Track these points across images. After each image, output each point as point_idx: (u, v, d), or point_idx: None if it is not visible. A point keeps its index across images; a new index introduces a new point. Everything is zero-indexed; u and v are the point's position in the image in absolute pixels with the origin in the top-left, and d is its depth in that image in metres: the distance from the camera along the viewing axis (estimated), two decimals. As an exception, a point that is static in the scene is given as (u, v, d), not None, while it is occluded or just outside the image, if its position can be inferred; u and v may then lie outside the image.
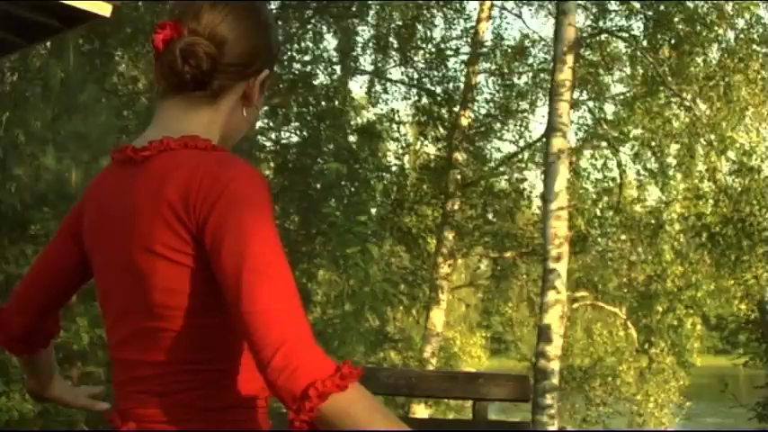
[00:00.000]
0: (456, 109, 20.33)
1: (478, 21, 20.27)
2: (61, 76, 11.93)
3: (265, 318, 1.85)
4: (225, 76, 2.11)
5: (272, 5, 19.19)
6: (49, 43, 16.31)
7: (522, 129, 21.08)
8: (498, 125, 21.04)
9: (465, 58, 20.63)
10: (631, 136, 19.72)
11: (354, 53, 20.70)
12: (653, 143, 19.32)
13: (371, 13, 20.50)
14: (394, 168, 20.99)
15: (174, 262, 1.97)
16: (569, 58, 15.06)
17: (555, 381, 14.72)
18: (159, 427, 2.02)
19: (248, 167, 2.01)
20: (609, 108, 20.67)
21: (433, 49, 20.51)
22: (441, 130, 20.94)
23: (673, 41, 18.13)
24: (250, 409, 2.07)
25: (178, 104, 2.11)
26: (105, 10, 8.04)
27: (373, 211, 18.56)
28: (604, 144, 20.26)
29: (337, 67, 20.58)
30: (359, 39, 20.91)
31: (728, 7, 17.96)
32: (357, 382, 1.83)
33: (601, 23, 18.95)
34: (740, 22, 18.21)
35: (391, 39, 20.77)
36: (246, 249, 1.90)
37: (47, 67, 14.80)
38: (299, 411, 1.81)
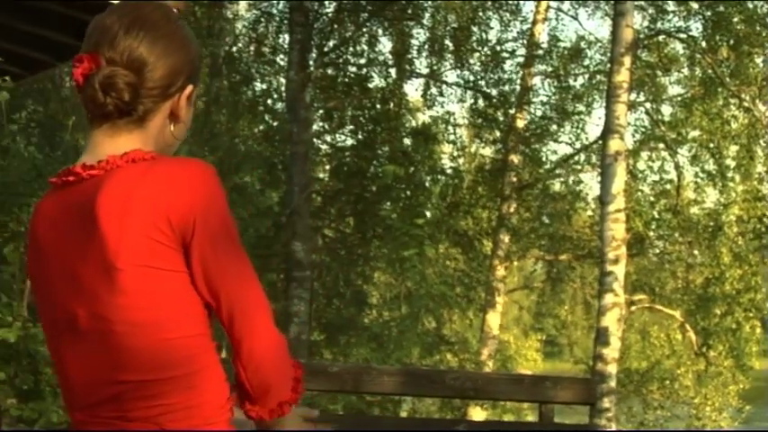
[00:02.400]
0: (512, 111, 20.27)
1: (534, 23, 20.21)
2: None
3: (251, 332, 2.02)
4: (149, 100, 2.11)
5: (328, 9, 19.26)
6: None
7: (579, 131, 20.97)
8: (554, 127, 20.94)
9: (521, 60, 20.57)
10: (689, 137, 19.56)
11: (410, 56, 20.69)
12: (711, 145, 19.15)
13: (427, 15, 20.48)
14: (449, 171, 20.96)
15: (141, 277, 1.98)
16: (626, 60, 14.96)
17: (613, 384, 14.65)
18: None
19: (205, 165, 2.04)
20: (666, 110, 20.55)
21: (489, 52, 20.45)
22: (496, 132, 20.91)
23: (731, 42, 17.95)
24: (220, 423, 2.08)
25: (107, 132, 2.11)
26: (170, 15, 8.10)
27: (429, 213, 18.54)
28: (662, 146, 20.11)
29: (392, 70, 20.58)
30: (414, 41, 20.91)
31: (788, 7, 17.78)
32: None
33: (659, 24, 18.81)
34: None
35: (447, 41, 20.73)
36: (236, 277, 2.02)
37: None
38: (272, 413, 2.08)
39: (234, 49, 20.69)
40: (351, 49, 19.94)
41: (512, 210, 19.91)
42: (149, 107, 2.12)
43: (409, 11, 19.76)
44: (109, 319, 2.01)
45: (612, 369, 14.56)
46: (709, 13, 18.03)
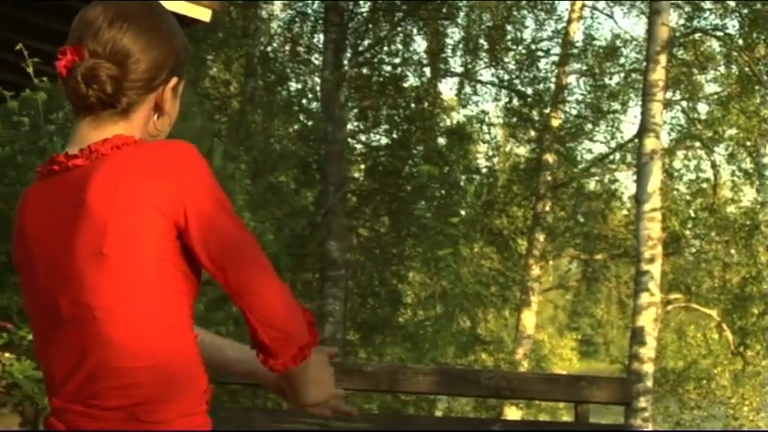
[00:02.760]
0: (547, 110, 20.23)
1: (569, 21, 20.16)
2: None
3: (259, 296, 2.02)
4: (133, 92, 2.12)
5: (362, 9, 19.28)
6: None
7: (614, 129, 20.88)
8: (589, 126, 20.88)
9: (556, 58, 20.52)
10: (726, 136, 19.41)
11: (444, 55, 20.68)
12: (748, 143, 19.01)
13: (461, 14, 20.47)
14: (484, 170, 20.97)
15: (126, 263, 1.98)
16: (662, 58, 14.90)
17: (649, 383, 14.58)
18: None
19: (187, 146, 2.04)
20: (702, 108, 20.41)
21: (524, 50, 20.42)
22: (531, 131, 20.88)
23: (768, 40, 17.84)
24: (197, 415, 2.08)
25: (91, 123, 2.11)
26: (204, 15, 8.15)
27: (463, 212, 18.53)
28: (698, 144, 19.99)
29: (427, 69, 20.60)
30: (449, 40, 20.92)
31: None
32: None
33: (695, 22, 18.69)
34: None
35: (481, 40, 20.71)
36: (232, 243, 2.01)
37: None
38: (295, 359, 2.08)
39: (269, 48, 20.76)
40: (385, 48, 19.96)
41: (547, 209, 19.86)
42: (133, 99, 2.12)
43: (444, 10, 19.76)
44: (91, 305, 2.00)
45: (648, 368, 14.50)
46: (745, 11, 17.89)
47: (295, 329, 2.07)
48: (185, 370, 2.06)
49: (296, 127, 20.34)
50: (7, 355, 5.87)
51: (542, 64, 20.79)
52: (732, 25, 20.90)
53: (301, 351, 2.10)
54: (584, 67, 20.74)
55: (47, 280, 2.09)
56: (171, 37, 2.19)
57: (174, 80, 2.18)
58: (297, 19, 20.65)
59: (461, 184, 18.66)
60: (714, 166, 19.79)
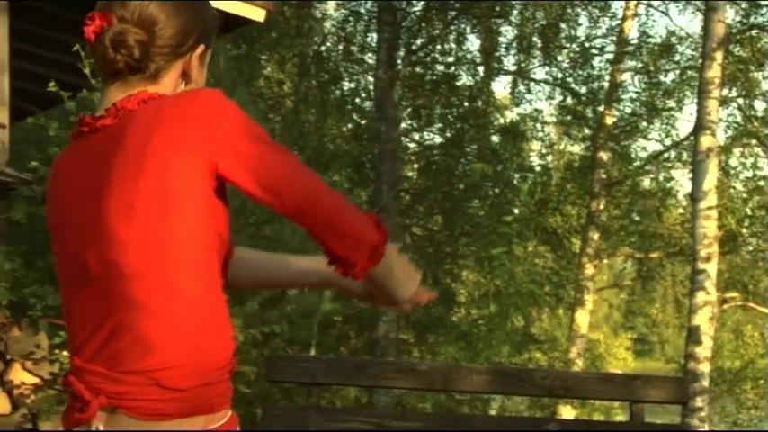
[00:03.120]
0: (601, 108, 20.13)
1: (624, 18, 20.03)
2: (211, 82, 12.17)
3: (322, 213, 2.03)
4: (160, 58, 2.13)
5: (416, 8, 19.29)
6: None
7: (669, 127, 20.75)
8: (644, 124, 20.75)
9: (610, 56, 20.41)
10: (783, 133, 19.25)
11: (497, 53, 20.66)
12: (805, 140, 18.83)
13: (515, 12, 20.42)
14: (538, 168, 20.91)
15: (156, 219, 1.96)
16: (718, 55, 14.76)
17: (705, 383, 14.46)
18: (128, 404, 1.99)
19: (212, 92, 2.04)
20: (759, 105, 20.23)
21: (578, 48, 20.35)
22: (585, 129, 20.79)
23: (826, 36, 17.65)
24: (220, 384, 2.05)
25: (119, 88, 2.13)
26: (258, 15, 8.20)
27: (517, 211, 18.48)
28: (754, 142, 19.80)
29: (480, 68, 20.56)
30: (502, 39, 20.88)
31: None
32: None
33: (751, 19, 18.51)
34: None
35: (535, 38, 20.65)
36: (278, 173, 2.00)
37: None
38: (372, 260, 2.09)
39: (322, 48, 20.82)
40: (439, 47, 19.96)
41: (601, 207, 19.76)
42: (161, 65, 2.14)
43: (497, 8, 19.73)
44: (118, 261, 1.99)
45: (705, 368, 14.38)
46: (803, 7, 17.72)
47: (363, 232, 2.08)
48: (211, 335, 2.03)
49: (349, 126, 20.38)
50: (65, 353, 5.94)
51: (596, 62, 20.75)
52: (790, 21, 20.65)
53: (375, 251, 2.10)
54: (639, 65, 20.62)
55: (76, 240, 2.08)
56: (198, 5, 2.21)
57: (200, 47, 2.20)
58: (350, 18, 20.69)
59: (515, 182, 18.62)
60: (771, 163, 19.60)
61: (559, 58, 20.62)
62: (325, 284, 2.43)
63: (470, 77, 20.36)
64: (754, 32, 18.67)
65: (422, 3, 19.41)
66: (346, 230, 2.05)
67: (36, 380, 7.24)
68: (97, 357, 2.03)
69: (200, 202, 1.98)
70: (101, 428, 2.02)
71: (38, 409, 7.14)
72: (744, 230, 19.57)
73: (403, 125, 19.48)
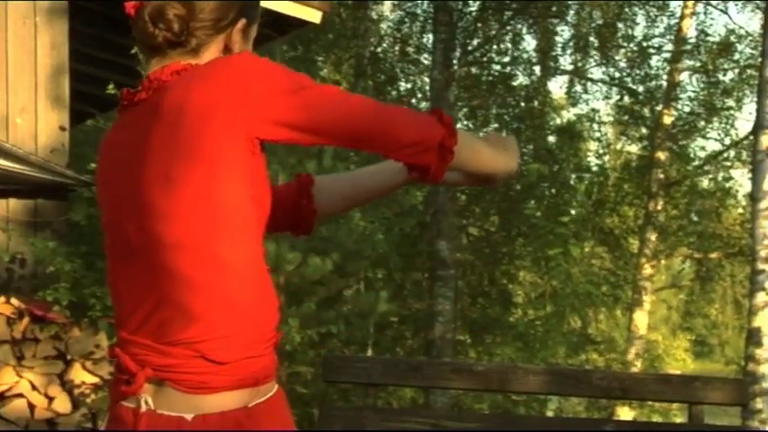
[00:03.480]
0: (658, 107, 19.98)
1: (682, 17, 19.87)
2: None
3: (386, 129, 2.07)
4: (201, 32, 2.12)
5: (472, 8, 19.26)
6: (255, 51, 16.75)
7: (728, 126, 20.53)
8: (702, 123, 20.56)
9: (668, 55, 20.25)
10: None
11: (554, 53, 20.57)
12: None
13: (571, 12, 20.32)
14: (595, 168, 20.78)
15: (193, 188, 1.95)
16: (778, 54, 14.60)
17: (765, 385, 14.30)
18: (175, 377, 2.00)
19: (243, 54, 2.04)
20: (821, 104, 19.96)
21: (635, 48, 20.20)
22: (642, 129, 20.65)
23: None
24: (264, 357, 2.04)
25: (159, 63, 2.13)
26: (314, 16, 8.24)
27: (574, 211, 18.41)
28: (816, 141, 19.56)
29: (537, 68, 20.51)
30: (558, 39, 20.80)
31: None
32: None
33: (813, 16, 18.29)
34: None
35: (592, 38, 20.54)
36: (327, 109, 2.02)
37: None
38: (443, 157, 2.13)
39: (379, 49, 20.85)
40: (495, 47, 19.91)
41: (659, 207, 19.61)
42: (202, 40, 2.14)
43: (554, 8, 19.64)
44: (158, 232, 1.98)
45: (765, 370, 14.22)
46: None
47: (425, 134, 2.11)
48: (254, 306, 2.02)
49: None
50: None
51: (654, 61, 20.58)
52: None
53: (443, 147, 2.13)
54: (698, 64, 20.43)
55: (118, 212, 2.09)
56: None
57: (242, 21, 2.18)
58: (406, 19, 20.70)
59: (572, 182, 18.54)
60: (833, 163, 19.34)
61: (617, 58, 20.50)
62: (411, 180, 2.41)
63: (527, 77, 20.33)
64: (815, 30, 18.43)
65: (478, 3, 19.38)
66: (408, 140, 2.08)
67: (96, 380, 7.31)
68: (142, 329, 2.04)
69: (238, 168, 1.96)
70: (149, 401, 2.02)
71: (98, 408, 7.21)
72: (804, 231, 19.34)
73: (459, 125, 19.45)
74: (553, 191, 17.92)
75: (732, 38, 20.25)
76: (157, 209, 1.98)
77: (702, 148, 21.26)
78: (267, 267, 2.06)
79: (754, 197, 14.50)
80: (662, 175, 19.61)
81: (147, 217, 2.00)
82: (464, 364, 6.23)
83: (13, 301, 7.50)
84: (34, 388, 7.31)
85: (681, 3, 20.15)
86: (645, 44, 20.26)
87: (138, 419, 2.03)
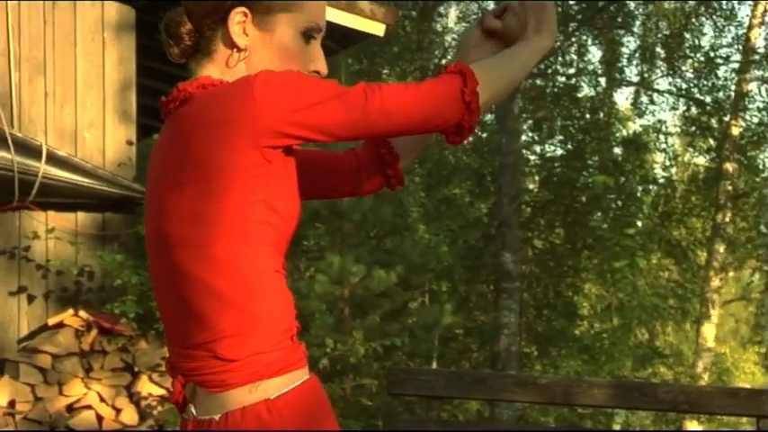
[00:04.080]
0: (726, 118, 19.78)
1: (750, 27, 19.66)
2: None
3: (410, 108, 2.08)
4: (206, 30, 2.17)
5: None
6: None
7: (799, 137, 20.29)
8: (771, 134, 20.33)
9: (736, 65, 20.05)
10: None
11: (620, 64, 20.45)
12: None
13: (637, 23, 20.19)
14: (661, 180, 20.60)
15: (201, 192, 2.00)
16: None
17: (836, 399, 14.11)
18: (200, 379, 2.06)
19: (264, 72, 2.03)
20: None
21: (702, 58, 20.02)
22: (710, 140, 20.44)
23: None
24: (277, 351, 2.05)
25: (194, 71, 2.20)
26: (378, 30, 8.28)
27: (640, 223, 18.26)
28: None
29: (602, 79, 20.39)
30: (624, 50, 20.67)
31: None
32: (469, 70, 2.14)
33: None
34: None
35: (658, 48, 20.39)
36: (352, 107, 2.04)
37: (320, 87, 15.25)
38: (470, 115, 2.13)
39: (443, 61, 20.85)
40: (560, 58, 19.83)
41: (727, 219, 19.41)
42: (207, 36, 2.18)
43: (619, 19, 19.53)
44: (170, 233, 2.06)
45: (836, 384, 14.05)
46: None
47: (449, 101, 2.11)
48: (262, 305, 2.05)
49: (470, 139, 20.38)
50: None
51: (722, 71, 20.37)
52: None
53: (466, 99, 2.13)
54: (767, 74, 20.21)
55: (148, 215, 2.16)
56: None
57: (237, 9, 2.16)
58: (471, 31, 20.66)
59: (638, 194, 18.39)
60: None
61: (683, 68, 20.33)
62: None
63: (592, 89, 20.21)
64: None
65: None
66: (436, 112, 2.10)
67: (162, 392, 7.39)
68: (174, 336, 2.14)
69: (244, 176, 2.00)
70: (193, 410, 2.11)
71: (164, 420, 7.28)
72: None
73: (524, 137, 19.40)
74: (619, 203, 17.79)
75: (801, 47, 20.03)
76: (167, 211, 2.07)
77: (772, 160, 21.02)
78: (278, 267, 2.09)
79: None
80: (730, 187, 19.40)
81: (160, 219, 2.09)
82: (528, 377, 6.21)
83: (82, 313, 7.61)
84: (102, 400, 7.41)
85: (749, 12, 19.96)
86: (712, 54, 20.07)
87: (187, 429, 2.12)
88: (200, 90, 2.10)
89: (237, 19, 2.15)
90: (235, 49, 2.17)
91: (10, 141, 7.51)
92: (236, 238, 2.01)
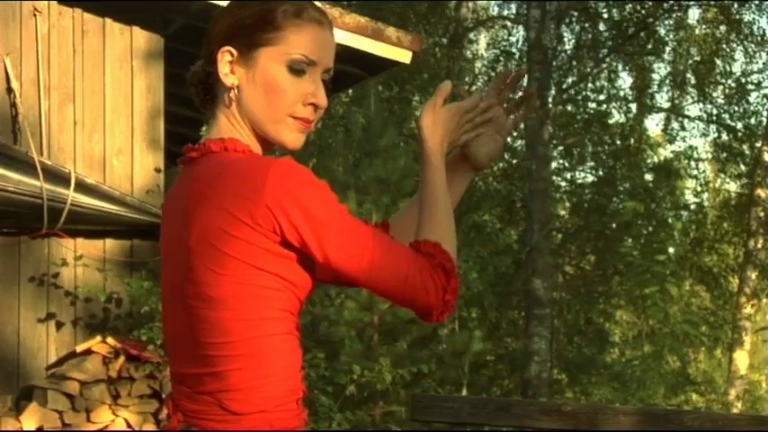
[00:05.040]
0: (758, 144, 19.69)
1: (781, 52, 19.62)
2: (362, 123, 12.31)
3: (386, 281, 2.10)
4: (212, 75, 2.19)
5: (567, 46, 19.22)
6: (350, 91, 16.92)
7: (831, 163, 20.16)
8: (803, 160, 20.20)
9: (767, 91, 19.98)
10: None
11: (650, 90, 20.42)
12: None
13: (668, 49, 20.16)
14: (693, 206, 20.52)
15: (208, 256, 2.03)
16: None
17: None
18: (200, 424, 2.09)
19: (281, 163, 2.03)
20: None
21: (733, 84, 19.96)
22: (741, 166, 20.35)
23: None
24: (282, 412, 2.08)
25: (209, 121, 2.24)
26: (405, 57, 8.30)
27: (671, 250, 18.17)
28: None
29: (633, 105, 20.36)
30: (655, 76, 20.65)
31: None
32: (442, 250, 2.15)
33: None
34: None
35: (688, 75, 20.36)
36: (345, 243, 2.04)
37: (349, 114, 15.32)
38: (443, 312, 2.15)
39: (473, 88, 20.87)
40: (590, 85, 19.83)
41: (759, 246, 19.29)
42: (212, 80, 2.21)
43: (650, 45, 19.51)
44: (184, 292, 2.09)
45: None
46: None
47: (431, 293, 2.12)
48: (267, 363, 2.07)
49: (500, 165, 20.37)
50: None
51: (753, 97, 20.31)
52: None
53: (446, 298, 2.14)
54: (798, 100, 20.13)
55: (164, 266, 2.20)
56: (230, 10, 2.21)
57: (224, 50, 2.16)
58: (501, 58, 20.72)
59: (669, 220, 18.32)
60: None
61: (714, 94, 20.28)
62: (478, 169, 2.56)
63: (623, 115, 20.17)
64: None
65: (573, 41, 19.33)
66: (416, 297, 2.12)
67: (189, 417, 7.38)
68: (183, 377, 2.16)
69: (254, 247, 2.02)
70: None
71: (190, 446, 7.27)
72: None
73: (554, 164, 19.38)
74: (650, 229, 17.72)
75: (833, 73, 19.94)
76: (184, 272, 2.10)
77: (804, 186, 20.83)
78: (296, 329, 2.14)
79: None
80: (762, 213, 19.30)
81: (178, 277, 2.12)
82: (553, 404, 6.19)
83: (109, 340, 7.64)
84: (129, 426, 7.42)
85: (780, 38, 19.90)
86: (743, 80, 20.02)
87: None
88: (223, 152, 2.13)
89: (225, 58, 2.16)
90: (225, 88, 2.18)
91: (39, 169, 7.56)
92: (253, 305, 2.06)
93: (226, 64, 2.16)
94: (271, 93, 2.15)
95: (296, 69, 2.15)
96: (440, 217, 2.23)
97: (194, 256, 2.05)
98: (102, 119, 8.13)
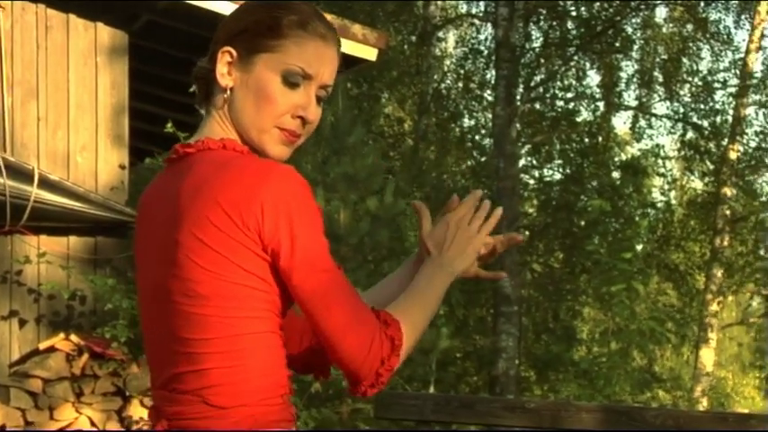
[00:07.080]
0: (724, 143, 19.80)
1: (747, 52, 19.69)
2: (331, 120, 12.30)
3: (339, 333, 2.05)
4: (211, 74, 2.18)
5: (535, 44, 19.27)
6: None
7: (796, 162, 20.31)
8: (769, 158, 20.34)
9: (733, 90, 20.08)
10: None
11: (618, 88, 20.50)
12: None
13: (635, 47, 20.24)
14: (659, 204, 20.61)
15: (196, 251, 2.01)
16: None
17: (834, 424, 14.07)
18: (184, 425, 2.06)
19: (280, 171, 2.02)
20: None
21: (700, 83, 20.07)
22: (708, 164, 20.46)
23: None
24: (266, 407, 2.06)
25: (206, 117, 2.22)
26: (371, 54, 8.30)
27: (638, 247, 18.23)
28: None
29: (600, 104, 20.42)
30: (622, 74, 20.73)
31: None
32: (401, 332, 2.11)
33: None
34: None
35: (656, 73, 20.45)
36: (312, 266, 2.02)
37: (316, 111, 15.30)
38: (374, 386, 2.11)
39: (442, 86, 20.90)
40: (558, 83, 19.88)
41: (725, 243, 19.40)
42: (210, 79, 2.19)
43: (617, 43, 19.58)
44: (168, 288, 2.06)
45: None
46: None
47: (367, 362, 2.08)
48: (252, 360, 2.06)
49: (468, 163, 20.40)
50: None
51: (719, 96, 20.40)
52: None
53: (380, 372, 2.09)
54: (764, 98, 20.23)
55: (144, 264, 2.18)
56: (237, 14, 2.22)
57: (224, 50, 2.16)
58: (469, 56, 20.76)
59: (636, 218, 18.38)
60: None
61: (681, 93, 20.37)
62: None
63: (590, 113, 20.25)
64: None
65: (540, 39, 19.39)
66: (352, 359, 2.07)
67: (153, 415, 7.35)
68: (163, 379, 2.12)
69: (238, 247, 2.01)
70: None
71: (155, 444, 7.24)
72: None
73: (522, 162, 19.42)
74: (617, 227, 17.78)
75: (799, 71, 20.06)
76: (169, 267, 2.07)
77: (769, 184, 21.02)
78: (279, 328, 2.11)
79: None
80: (728, 211, 19.41)
81: (162, 274, 2.09)
82: (516, 401, 6.20)
83: (73, 337, 7.60)
84: (93, 424, 7.39)
85: (746, 37, 20.01)
86: (710, 79, 20.13)
87: None
88: (221, 150, 2.11)
89: (224, 58, 2.15)
90: (220, 88, 2.17)
91: (2, 165, 7.52)
92: (238, 302, 2.04)
93: (224, 64, 2.15)
94: (261, 100, 2.13)
95: (290, 81, 2.13)
96: (416, 308, 2.21)
97: (181, 251, 2.03)
98: (66, 115, 8.08)
